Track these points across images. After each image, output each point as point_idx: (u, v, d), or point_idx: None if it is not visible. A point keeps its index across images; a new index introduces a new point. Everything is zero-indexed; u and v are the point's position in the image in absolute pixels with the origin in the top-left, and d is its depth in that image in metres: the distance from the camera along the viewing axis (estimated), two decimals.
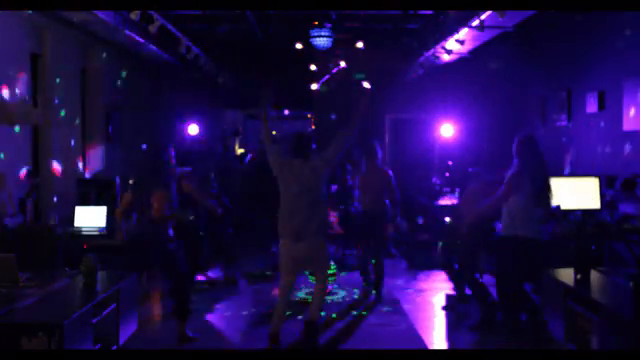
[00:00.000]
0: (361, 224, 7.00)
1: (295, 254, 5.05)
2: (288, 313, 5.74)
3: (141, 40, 8.33)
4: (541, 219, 5.21)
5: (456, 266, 6.27)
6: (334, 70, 11.84)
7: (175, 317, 5.33)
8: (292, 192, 5.03)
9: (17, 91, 6.73)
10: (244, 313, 6.23)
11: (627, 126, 7.10)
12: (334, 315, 6.14)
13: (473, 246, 5.97)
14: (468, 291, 6.18)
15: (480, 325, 5.71)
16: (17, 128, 6.77)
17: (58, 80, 7.73)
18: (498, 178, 5.46)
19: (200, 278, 7.51)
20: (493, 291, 6.35)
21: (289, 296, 5.28)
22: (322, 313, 5.98)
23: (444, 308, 6.35)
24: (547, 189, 5.22)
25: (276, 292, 5.94)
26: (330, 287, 6.94)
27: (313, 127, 13.47)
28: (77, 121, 8.42)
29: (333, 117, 12.67)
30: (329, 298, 6.68)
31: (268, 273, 7.99)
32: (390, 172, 6.87)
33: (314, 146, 5.31)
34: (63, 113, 7.89)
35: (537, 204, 5.17)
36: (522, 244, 5.18)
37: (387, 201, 6.82)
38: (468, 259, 5.98)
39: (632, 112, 6.97)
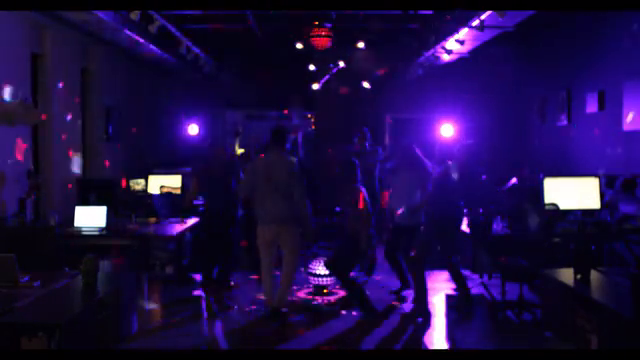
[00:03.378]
0: None
1: (266, 235, 5.83)
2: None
3: (141, 40, 8.32)
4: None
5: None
6: (334, 70, 11.83)
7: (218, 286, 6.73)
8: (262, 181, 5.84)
9: (17, 91, 6.73)
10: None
11: (627, 126, 7.10)
12: (334, 315, 6.14)
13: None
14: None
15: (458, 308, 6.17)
16: (17, 128, 6.77)
17: (58, 80, 7.74)
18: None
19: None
20: (494, 291, 6.36)
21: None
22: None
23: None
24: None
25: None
26: (330, 287, 6.94)
27: (313, 127, 13.46)
28: (77, 121, 8.42)
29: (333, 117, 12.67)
30: (329, 298, 6.68)
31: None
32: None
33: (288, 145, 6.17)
34: (63, 114, 7.90)
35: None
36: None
37: None
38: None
39: (630, 116, 6.97)
